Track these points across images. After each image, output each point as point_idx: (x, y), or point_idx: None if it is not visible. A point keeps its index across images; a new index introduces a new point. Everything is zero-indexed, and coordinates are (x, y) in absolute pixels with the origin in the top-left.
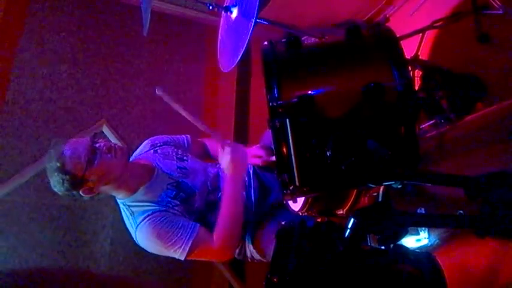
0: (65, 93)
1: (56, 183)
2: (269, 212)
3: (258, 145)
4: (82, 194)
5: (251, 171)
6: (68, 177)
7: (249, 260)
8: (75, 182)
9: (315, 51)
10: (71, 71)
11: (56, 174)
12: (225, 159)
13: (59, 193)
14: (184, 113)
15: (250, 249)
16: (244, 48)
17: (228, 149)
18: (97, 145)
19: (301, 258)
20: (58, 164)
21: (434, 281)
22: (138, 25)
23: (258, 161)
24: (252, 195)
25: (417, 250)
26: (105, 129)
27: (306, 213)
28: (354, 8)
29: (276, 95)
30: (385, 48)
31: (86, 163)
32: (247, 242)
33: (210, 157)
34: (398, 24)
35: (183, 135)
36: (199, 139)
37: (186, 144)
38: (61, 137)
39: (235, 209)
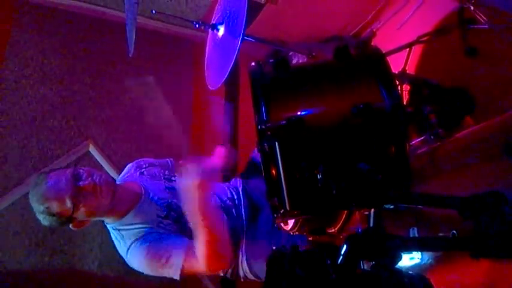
0: (50, 113)
1: (43, 222)
2: (261, 230)
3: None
4: (73, 228)
5: (240, 189)
6: (55, 218)
7: (242, 279)
8: (64, 221)
9: (303, 72)
10: (56, 90)
11: (42, 216)
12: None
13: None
14: None
15: (244, 269)
16: (231, 66)
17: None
18: (80, 183)
19: (293, 285)
20: (43, 208)
21: None
22: (124, 43)
23: (226, 160)
24: (243, 213)
25: (411, 271)
26: (92, 149)
27: (297, 233)
28: (341, 23)
29: (265, 118)
30: (373, 69)
31: (72, 206)
32: (241, 261)
33: None
34: (385, 39)
35: (167, 159)
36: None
37: (170, 166)
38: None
39: (208, 223)
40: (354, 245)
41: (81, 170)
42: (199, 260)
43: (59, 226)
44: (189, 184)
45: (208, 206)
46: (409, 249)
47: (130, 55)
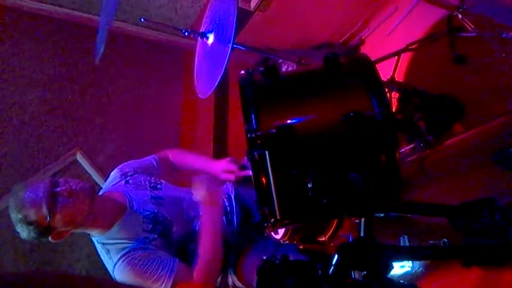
0: (37, 121)
1: (22, 233)
2: (251, 238)
3: (228, 158)
4: (52, 241)
5: (232, 196)
6: (32, 227)
7: (231, 287)
8: (42, 231)
9: (292, 81)
10: (44, 98)
11: (20, 225)
12: (200, 191)
13: (28, 240)
14: None
15: (232, 278)
16: (221, 74)
17: (203, 182)
18: (57, 189)
19: None
20: (20, 216)
21: None
22: (112, 50)
23: (231, 177)
24: (234, 219)
25: (401, 279)
26: (80, 158)
27: (287, 241)
28: (330, 30)
29: (255, 126)
30: (363, 77)
31: (48, 212)
32: (229, 270)
33: (178, 171)
34: (374, 46)
35: (150, 157)
36: (162, 155)
37: (156, 166)
38: (33, 170)
39: (214, 243)
40: (344, 255)
41: (60, 180)
42: (190, 279)
43: (38, 237)
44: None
45: (219, 228)
46: (400, 258)
47: (96, 62)
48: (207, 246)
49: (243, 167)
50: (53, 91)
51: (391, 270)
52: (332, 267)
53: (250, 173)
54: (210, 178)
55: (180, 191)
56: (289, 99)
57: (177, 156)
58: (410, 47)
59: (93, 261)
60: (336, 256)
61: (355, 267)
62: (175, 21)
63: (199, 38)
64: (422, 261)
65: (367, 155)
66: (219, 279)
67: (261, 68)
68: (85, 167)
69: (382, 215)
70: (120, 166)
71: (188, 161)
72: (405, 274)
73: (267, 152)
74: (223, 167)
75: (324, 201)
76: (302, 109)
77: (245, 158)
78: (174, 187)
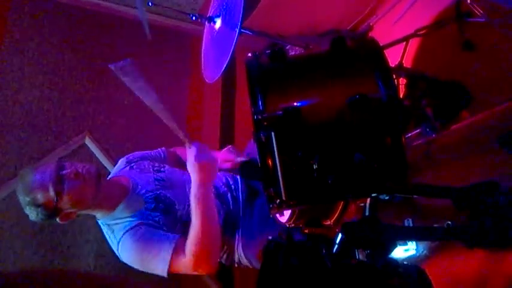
0: (46, 105)
1: (31, 215)
2: (258, 216)
3: (228, 148)
4: (60, 222)
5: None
6: (40, 209)
7: (236, 265)
8: (49, 213)
9: (299, 63)
10: (53, 82)
11: (28, 207)
12: (189, 160)
13: (37, 222)
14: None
15: (239, 254)
16: (228, 59)
17: (193, 149)
18: (63, 172)
19: (289, 275)
20: (28, 199)
21: None
22: (120, 35)
23: (228, 165)
24: (240, 197)
25: (406, 262)
26: (88, 142)
27: (293, 225)
28: (338, 17)
29: (261, 108)
30: (369, 60)
31: (55, 194)
32: (236, 246)
33: (184, 166)
34: (382, 33)
35: (159, 149)
36: (171, 150)
37: (162, 157)
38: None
39: (205, 218)
40: (349, 233)
41: (66, 163)
42: (187, 258)
43: (46, 219)
44: (202, 170)
45: (209, 202)
46: (404, 238)
47: (149, 38)
48: (196, 224)
49: (247, 155)
50: (62, 76)
51: (393, 249)
52: (336, 246)
53: (244, 159)
54: (204, 147)
55: (183, 174)
56: (295, 81)
57: (182, 152)
58: (418, 33)
59: (101, 243)
60: (340, 235)
61: (359, 246)
62: (183, 6)
63: (206, 23)
64: (426, 245)
65: (372, 137)
66: (224, 256)
67: (268, 51)
68: (93, 151)
69: (386, 197)
70: (126, 155)
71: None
72: (410, 257)
73: (273, 134)
74: (222, 157)
75: (329, 181)
76: (308, 91)
77: (249, 144)
78: (178, 170)
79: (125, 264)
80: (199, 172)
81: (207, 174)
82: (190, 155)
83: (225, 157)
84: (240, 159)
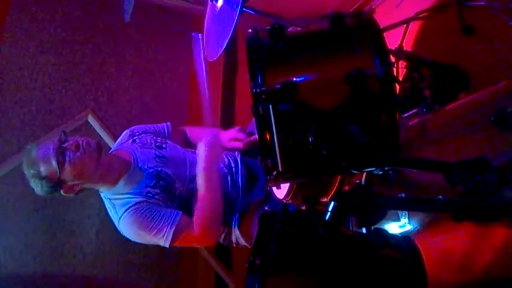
0: (49, 84)
1: (36, 188)
2: (257, 201)
3: (236, 128)
4: (64, 194)
5: (238, 158)
6: (44, 181)
7: (234, 245)
8: (53, 185)
9: (298, 39)
10: (56, 61)
11: (33, 180)
12: (205, 139)
13: (42, 195)
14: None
15: (236, 234)
16: (229, 37)
17: (212, 130)
18: (65, 145)
19: (283, 242)
20: (32, 171)
21: (414, 263)
22: (123, 15)
23: (239, 144)
24: (240, 181)
25: (398, 235)
26: (91, 119)
27: (290, 201)
28: None
29: (260, 82)
30: (367, 37)
31: (57, 166)
32: (233, 227)
33: (190, 145)
34: (384, 15)
35: (163, 123)
36: (180, 127)
37: (166, 132)
38: (45, 131)
39: (211, 195)
40: (340, 200)
41: (68, 137)
42: (195, 230)
43: (51, 191)
44: (210, 149)
45: (216, 178)
46: (393, 207)
47: (126, 21)
48: (202, 198)
49: (250, 134)
50: (65, 55)
51: (383, 217)
52: (328, 213)
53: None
54: (216, 134)
55: (185, 151)
56: (294, 57)
57: (194, 132)
58: (418, 16)
59: (103, 219)
60: (333, 202)
61: (349, 213)
62: None
63: (208, 1)
64: (418, 220)
65: (367, 113)
66: (222, 235)
67: (268, 27)
68: (96, 128)
69: (380, 172)
70: (130, 128)
71: (200, 134)
72: (404, 233)
73: (270, 106)
74: (231, 136)
75: (324, 151)
76: (306, 67)
77: (251, 124)
78: (180, 147)
79: (126, 238)
80: (212, 150)
81: (218, 154)
82: (209, 135)
83: (234, 135)
84: (253, 137)
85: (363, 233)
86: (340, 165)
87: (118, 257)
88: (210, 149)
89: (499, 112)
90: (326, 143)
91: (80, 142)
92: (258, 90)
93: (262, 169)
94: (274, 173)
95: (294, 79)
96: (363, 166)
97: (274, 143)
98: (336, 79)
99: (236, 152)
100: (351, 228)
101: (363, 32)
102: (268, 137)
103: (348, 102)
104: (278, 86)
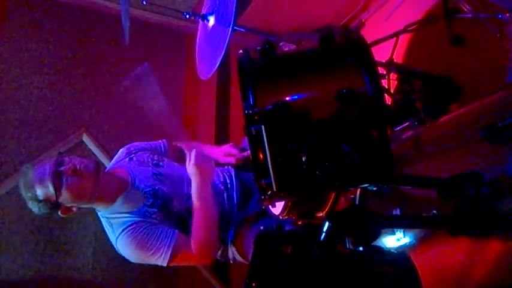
0: (44, 103)
1: (34, 209)
2: (252, 215)
3: (229, 144)
4: (61, 215)
5: (233, 174)
6: (42, 204)
7: (231, 261)
8: (51, 207)
9: (289, 59)
10: (50, 80)
11: (31, 202)
12: (190, 166)
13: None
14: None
15: (232, 251)
16: (221, 56)
17: (192, 153)
18: (61, 168)
19: (279, 264)
20: (30, 194)
21: (410, 280)
22: (116, 33)
23: (232, 160)
24: (234, 197)
25: (393, 250)
26: (85, 138)
27: (286, 217)
28: (330, 13)
29: (252, 103)
30: (356, 55)
31: (54, 190)
32: (229, 244)
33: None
34: (374, 29)
35: (160, 141)
36: (176, 144)
37: (162, 149)
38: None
39: (207, 215)
40: (335, 220)
41: (65, 158)
42: (193, 252)
43: (48, 212)
44: (201, 173)
45: (210, 200)
46: (389, 226)
47: (126, 43)
48: (198, 220)
49: (243, 150)
50: (59, 74)
51: (378, 237)
52: (323, 234)
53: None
54: (200, 151)
55: (182, 168)
56: (285, 76)
57: (187, 147)
58: (408, 29)
59: (99, 238)
60: (327, 223)
61: (345, 233)
62: (177, 3)
63: (200, 21)
64: (414, 234)
65: (359, 130)
66: (219, 252)
67: (259, 48)
68: (91, 147)
69: (374, 188)
70: (127, 145)
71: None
72: (401, 247)
73: (263, 127)
74: (224, 151)
75: (317, 172)
76: (298, 86)
77: (245, 140)
78: (177, 164)
79: (123, 257)
80: (201, 173)
81: (206, 175)
82: (190, 159)
83: (228, 151)
84: (246, 153)
85: (360, 251)
86: (333, 184)
87: (115, 276)
88: (201, 171)
89: (489, 127)
90: (319, 164)
91: (78, 166)
92: (250, 112)
93: (257, 189)
94: (269, 192)
95: (285, 99)
96: (356, 184)
97: (268, 164)
98: (327, 98)
99: (230, 167)
100: (347, 246)
101: (352, 51)
102: (261, 157)
103: (340, 120)
104: (270, 106)
